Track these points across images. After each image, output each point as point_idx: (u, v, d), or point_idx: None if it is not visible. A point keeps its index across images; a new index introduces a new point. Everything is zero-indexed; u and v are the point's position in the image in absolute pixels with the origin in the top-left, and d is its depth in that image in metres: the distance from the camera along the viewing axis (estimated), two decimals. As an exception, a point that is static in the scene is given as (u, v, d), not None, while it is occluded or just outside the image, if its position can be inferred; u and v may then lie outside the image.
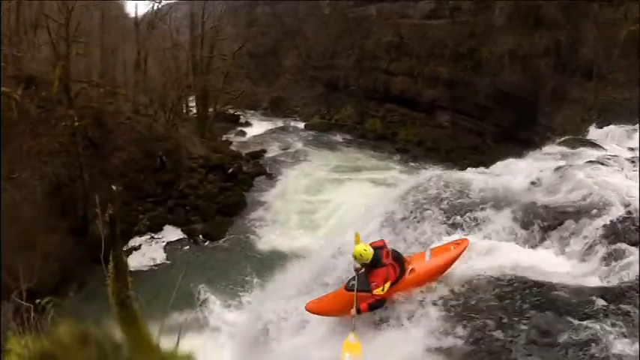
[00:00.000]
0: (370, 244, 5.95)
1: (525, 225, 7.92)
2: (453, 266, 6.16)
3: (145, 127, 25.10)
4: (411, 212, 9.27)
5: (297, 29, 43.64)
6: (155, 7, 31.60)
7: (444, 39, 31.85)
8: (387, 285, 5.65)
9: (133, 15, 35.11)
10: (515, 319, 5.55)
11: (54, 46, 21.24)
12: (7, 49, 20.63)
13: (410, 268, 6.02)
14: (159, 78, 29.74)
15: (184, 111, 32.60)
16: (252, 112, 40.00)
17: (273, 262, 19.18)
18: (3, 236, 14.25)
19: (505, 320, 5.55)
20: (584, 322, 5.25)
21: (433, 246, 6.82)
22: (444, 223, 8.45)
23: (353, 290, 5.91)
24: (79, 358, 4.10)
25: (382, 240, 6.35)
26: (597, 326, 5.16)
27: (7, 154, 18.43)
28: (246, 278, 19.29)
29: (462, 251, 6.19)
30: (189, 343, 5.83)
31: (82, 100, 22.35)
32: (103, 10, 27.96)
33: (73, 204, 20.08)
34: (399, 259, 6.06)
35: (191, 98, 33.28)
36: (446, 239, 7.27)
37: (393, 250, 6.16)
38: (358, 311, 5.73)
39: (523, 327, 5.39)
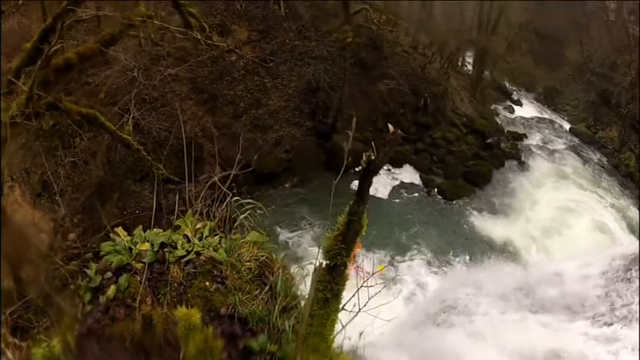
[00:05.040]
0: None
1: None
2: None
3: (419, 65, 24.72)
4: (628, 281, 10.31)
5: (583, 24, 38.59)
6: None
7: None
8: None
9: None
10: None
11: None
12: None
13: None
14: (442, 23, 28.52)
15: (460, 64, 31.28)
16: (524, 91, 37.23)
17: (489, 249, 18.94)
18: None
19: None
20: None
21: None
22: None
23: None
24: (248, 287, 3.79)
25: None
26: None
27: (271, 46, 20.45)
28: (458, 251, 18.88)
29: None
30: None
31: (360, 19, 22.51)
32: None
33: (325, 110, 21.14)
34: None
35: (468, 54, 31.94)
36: None
37: None
38: None
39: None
